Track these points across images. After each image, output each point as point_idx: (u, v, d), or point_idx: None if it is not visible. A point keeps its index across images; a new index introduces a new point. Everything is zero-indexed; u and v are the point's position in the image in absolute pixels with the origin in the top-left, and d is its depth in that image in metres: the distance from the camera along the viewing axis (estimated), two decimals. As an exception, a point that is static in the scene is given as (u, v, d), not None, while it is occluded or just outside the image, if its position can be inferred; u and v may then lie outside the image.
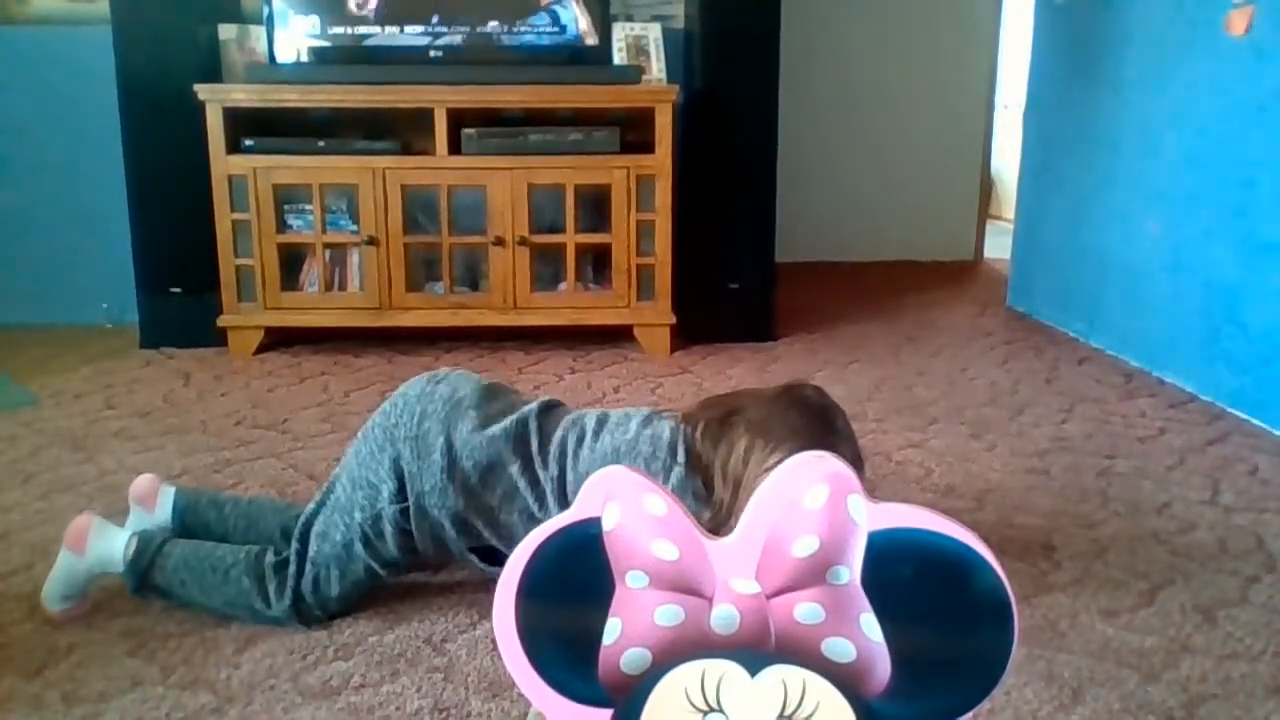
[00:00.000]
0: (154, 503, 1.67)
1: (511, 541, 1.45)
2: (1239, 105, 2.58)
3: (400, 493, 1.46)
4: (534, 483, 1.45)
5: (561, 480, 1.44)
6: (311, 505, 1.52)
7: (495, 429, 1.46)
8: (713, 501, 1.36)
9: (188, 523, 1.67)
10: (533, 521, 1.44)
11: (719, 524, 1.30)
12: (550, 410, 1.53)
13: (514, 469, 1.45)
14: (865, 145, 4.78)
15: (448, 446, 1.45)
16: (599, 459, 1.43)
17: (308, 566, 1.48)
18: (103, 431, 2.37)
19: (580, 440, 1.46)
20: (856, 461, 1.38)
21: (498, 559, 1.49)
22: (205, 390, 2.72)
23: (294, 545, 1.50)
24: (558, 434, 1.48)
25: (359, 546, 1.47)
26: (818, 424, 1.37)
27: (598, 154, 3.02)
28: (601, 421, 1.49)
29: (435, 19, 3.02)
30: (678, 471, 1.39)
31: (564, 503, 1.43)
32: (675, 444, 1.42)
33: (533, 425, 1.48)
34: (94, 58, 3.12)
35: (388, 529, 1.47)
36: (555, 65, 3.09)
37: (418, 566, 1.62)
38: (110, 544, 1.52)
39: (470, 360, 3.01)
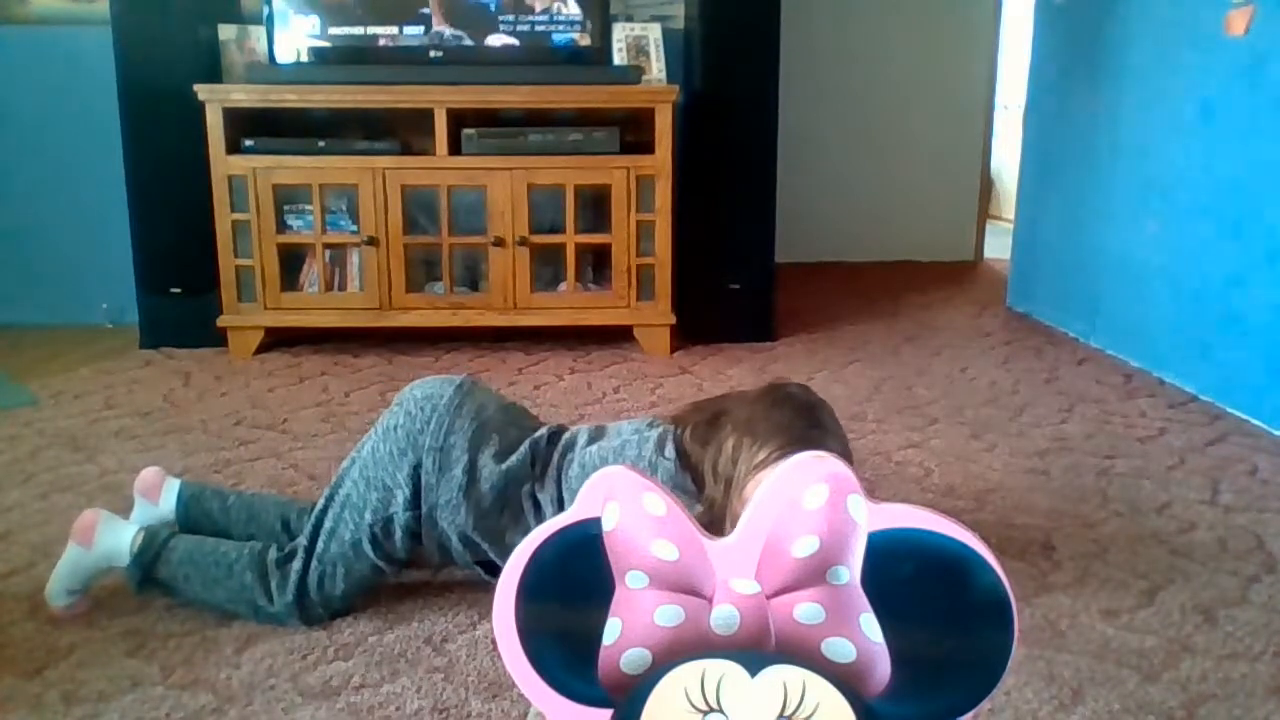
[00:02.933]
0: (159, 494, 1.69)
1: None
2: (1239, 105, 2.58)
3: (414, 500, 1.47)
4: (536, 506, 1.48)
5: (559, 497, 1.47)
6: (321, 500, 1.53)
7: (513, 458, 1.49)
8: (704, 499, 1.37)
9: (191, 513, 1.69)
10: None
11: (711, 522, 1.31)
12: (556, 434, 1.56)
13: (523, 492, 1.48)
14: (865, 145, 4.78)
15: (470, 466, 1.46)
16: (590, 466, 1.45)
17: (314, 564, 1.48)
18: (103, 431, 2.37)
19: (573, 453, 1.49)
20: (845, 456, 1.39)
21: (500, 571, 1.50)
22: (205, 390, 2.71)
23: (302, 541, 1.50)
24: (555, 454, 1.51)
25: (367, 546, 1.48)
26: (804, 420, 1.37)
27: (598, 154, 3.02)
28: (594, 436, 1.53)
29: (435, 19, 3.02)
30: (665, 466, 1.41)
31: None
32: (664, 443, 1.44)
33: (540, 450, 1.51)
34: (94, 58, 3.12)
35: (397, 532, 1.48)
36: (555, 65, 3.09)
37: (421, 564, 1.63)
38: (117, 537, 1.52)
39: (470, 360, 3.01)
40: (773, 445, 1.31)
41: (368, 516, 1.47)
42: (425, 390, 1.54)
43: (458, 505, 1.46)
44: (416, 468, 1.46)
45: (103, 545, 1.51)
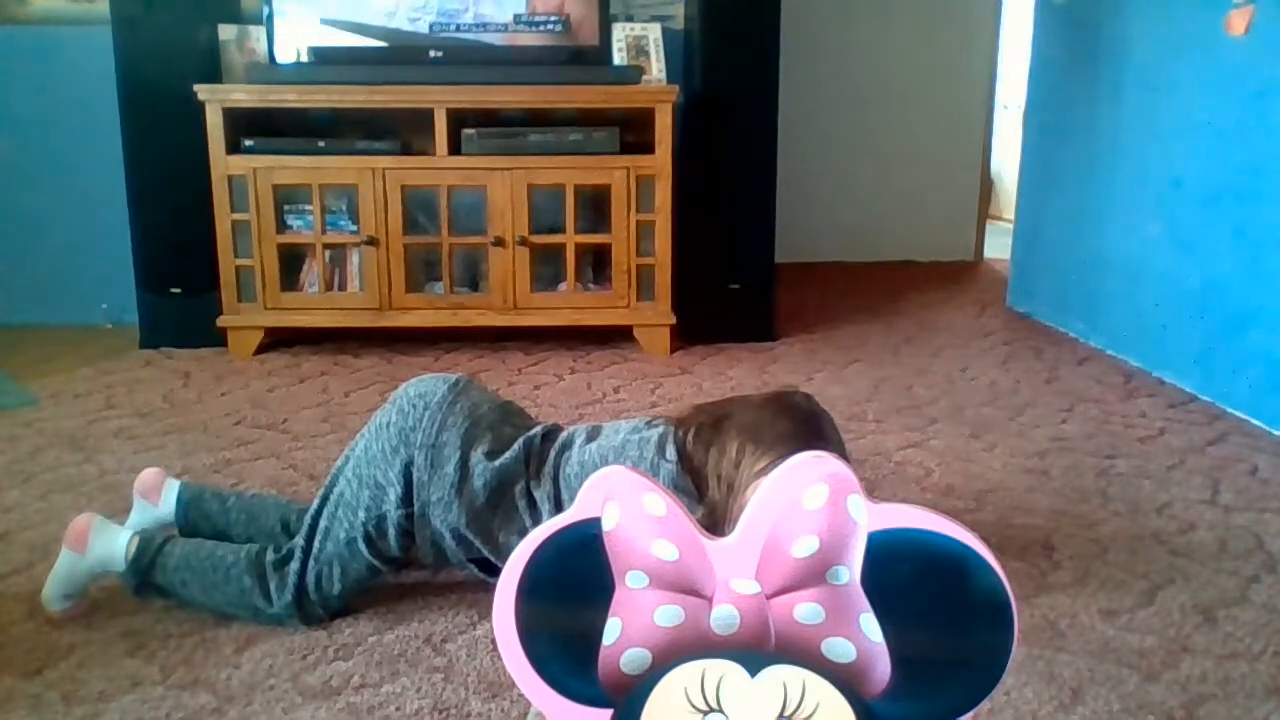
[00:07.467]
0: (159, 495, 1.69)
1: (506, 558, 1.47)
2: (1239, 105, 2.57)
3: (406, 497, 1.46)
4: (531, 504, 1.47)
5: (556, 495, 1.46)
6: (316, 500, 1.53)
7: (507, 455, 1.48)
8: (706, 502, 1.37)
9: (191, 515, 1.69)
10: None
11: (712, 525, 1.31)
12: (551, 433, 1.56)
13: (516, 490, 1.48)
14: (865, 145, 4.77)
15: (462, 463, 1.46)
16: (590, 464, 1.45)
17: (311, 564, 1.49)
18: (103, 431, 2.37)
19: (570, 451, 1.49)
20: None
21: (495, 570, 1.50)
22: (205, 390, 2.71)
23: (299, 541, 1.50)
24: (552, 453, 1.50)
25: (361, 545, 1.48)
26: (807, 430, 1.37)
27: (598, 154, 3.02)
28: (592, 435, 1.52)
29: (435, 19, 3.02)
30: (667, 468, 1.40)
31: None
32: (664, 444, 1.44)
33: (535, 448, 1.51)
34: (94, 58, 3.12)
35: (390, 530, 1.47)
36: (555, 65, 3.08)
37: (419, 564, 1.63)
38: (111, 543, 1.52)
39: (470, 360, 3.01)
40: (776, 453, 1.31)
41: (361, 515, 1.47)
42: (419, 388, 1.54)
43: (450, 502, 1.45)
44: (408, 465, 1.46)
45: (96, 551, 1.51)
